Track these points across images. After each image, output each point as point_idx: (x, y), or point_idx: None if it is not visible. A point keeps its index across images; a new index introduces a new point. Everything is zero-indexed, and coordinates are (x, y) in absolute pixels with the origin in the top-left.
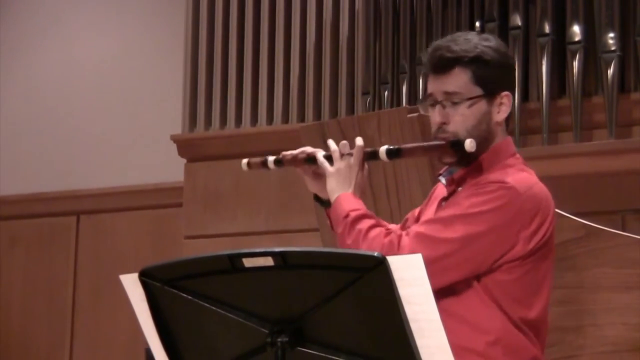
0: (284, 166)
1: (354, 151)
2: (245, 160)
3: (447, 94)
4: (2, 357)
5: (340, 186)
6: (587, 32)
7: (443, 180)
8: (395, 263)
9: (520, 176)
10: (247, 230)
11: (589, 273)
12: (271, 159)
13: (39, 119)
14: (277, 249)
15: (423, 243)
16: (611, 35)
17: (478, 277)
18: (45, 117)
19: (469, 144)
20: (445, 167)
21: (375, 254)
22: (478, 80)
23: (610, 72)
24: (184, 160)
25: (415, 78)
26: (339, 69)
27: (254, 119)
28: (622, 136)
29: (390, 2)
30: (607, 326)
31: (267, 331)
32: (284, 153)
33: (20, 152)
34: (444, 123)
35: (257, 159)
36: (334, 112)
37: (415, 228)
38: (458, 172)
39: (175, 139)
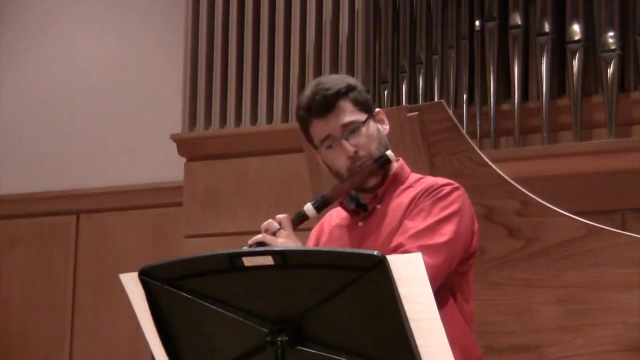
0: None
1: (282, 223)
2: None
3: (345, 126)
4: (2, 357)
5: None
6: (587, 31)
7: (352, 205)
8: (395, 262)
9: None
10: (247, 230)
11: (589, 273)
12: None
13: (38, 118)
14: (277, 249)
15: (427, 254)
16: (611, 34)
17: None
18: (45, 117)
19: (391, 154)
20: (340, 200)
21: (375, 253)
22: (359, 105)
23: (610, 71)
24: (184, 160)
25: (415, 77)
26: (338, 69)
27: (254, 119)
28: (622, 136)
29: (390, 1)
30: (608, 326)
31: (267, 330)
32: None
33: (20, 152)
34: (357, 151)
35: None
36: None
37: (407, 243)
38: (382, 188)
39: (175, 139)
